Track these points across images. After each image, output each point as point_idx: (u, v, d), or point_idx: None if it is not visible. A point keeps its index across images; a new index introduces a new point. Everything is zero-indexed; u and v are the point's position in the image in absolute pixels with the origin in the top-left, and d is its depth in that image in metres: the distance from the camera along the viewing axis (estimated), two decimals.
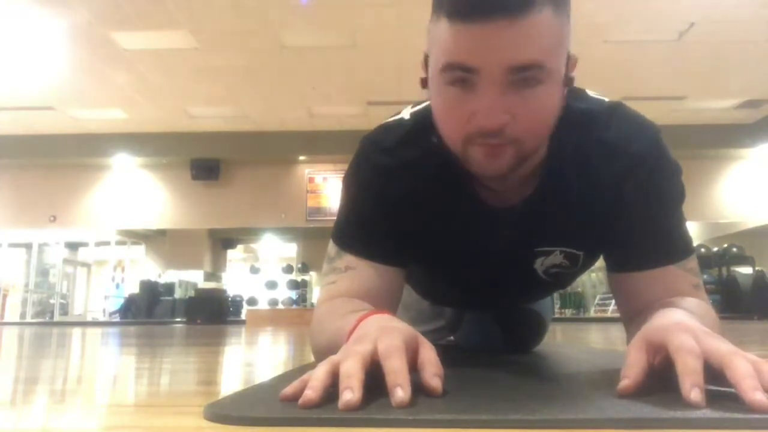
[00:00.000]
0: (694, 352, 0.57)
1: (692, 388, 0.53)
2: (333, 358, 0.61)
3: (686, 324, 0.62)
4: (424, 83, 0.78)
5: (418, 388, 0.58)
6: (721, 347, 0.57)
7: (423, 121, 0.86)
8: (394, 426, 0.51)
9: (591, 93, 0.88)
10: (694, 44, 6.77)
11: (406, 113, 0.91)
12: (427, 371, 0.61)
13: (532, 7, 0.66)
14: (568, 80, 0.74)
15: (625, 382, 0.60)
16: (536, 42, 0.68)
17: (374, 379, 0.58)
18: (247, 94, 8.34)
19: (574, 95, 0.83)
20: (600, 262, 0.97)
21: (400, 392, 0.55)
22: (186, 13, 6.09)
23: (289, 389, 0.59)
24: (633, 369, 0.61)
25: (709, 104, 8.74)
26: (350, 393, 0.54)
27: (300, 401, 0.56)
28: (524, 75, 0.68)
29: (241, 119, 9.30)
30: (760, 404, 0.50)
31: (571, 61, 0.74)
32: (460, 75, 0.70)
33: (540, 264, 0.94)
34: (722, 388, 0.55)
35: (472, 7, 0.67)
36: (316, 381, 0.58)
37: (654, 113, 0.90)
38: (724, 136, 9.42)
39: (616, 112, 0.85)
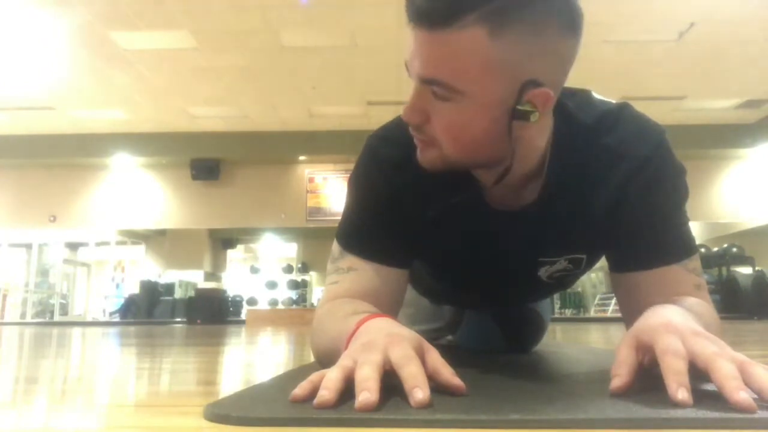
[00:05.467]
0: (679, 354, 0.57)
1: (678, 388, 0.54)
2: (345, 364, 0.61)
3: (675, 325, 0.62)
4: None
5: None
6: (707, 348, 0.57)
7: None
8: (393, 426, 0.51)
9: (596, 95, 0.88)
10: (694, 44, 6.77)
11: None
12: (444, 373, 0.61)
13: (453, 23, 0.66)
14: (517, 112, 0.71)
15: (617, 381, 0.60)
16: (446, 61, 0.69)
17: (384, 388, 0.58)
18: (247, 94, 8.34)
19: (579, 100, 0.84)
20: (601, 262, 0.97)
21: (420, 393, 0.55)
22: (186, 13, 6.09)
23: (299, 390, 0.59)
24: (623, 367, 0.61)
25: (709, 104, 8.74)
26: (368, 393, 0.55)
27: (315, 401, 0.56)
28: (432, 88, 0.72)
29: (241, 119, 9.30)
30: (744, 403, 0.51)
31: (532, 93, 0.70)
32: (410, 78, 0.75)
33: (544, 271, 0.94)
34: (712, 389, 0.55)
35: (411, 10, 0.70)
36: (331, 383, 0.58)
37: (654, 113, 0.90)
38: (724, 136, 9.42)
39: (621, 115, 0.85)
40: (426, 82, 0.71)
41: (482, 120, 0.72)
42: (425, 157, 0.79)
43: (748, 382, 0.54)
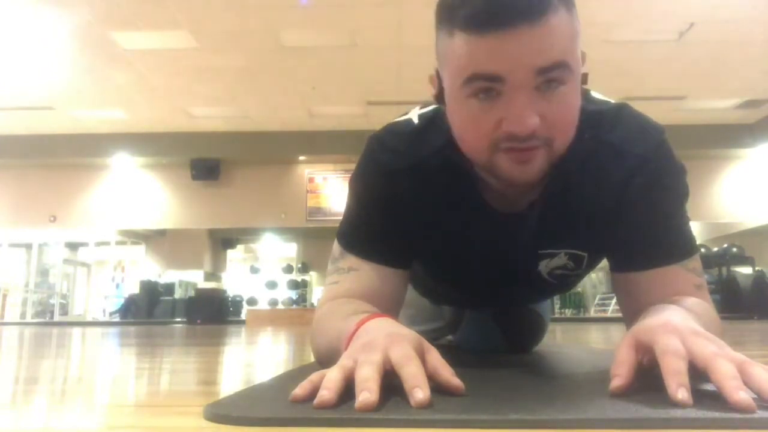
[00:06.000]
0: (678, 353, 0.57)
1: (678, 388, 0.54)
2: (345, 364, 0.61)
3: (674, 325, 0.62)
4: (438, 99, 0.79)
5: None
6: (706, 348, 0.57)
7: (431, 124, 0.86)
8: (393, 426, 0.51)
9: (595, 94, 0.88)
10: (694, 44, 6.77)
11: (414, 115, 0.91)
12: (443, 373, 0.61)
13: (549, 9, 0.67)
14: (584, 77, 0.75)
15: (617, 381, 0.60)
16: (558, 42, 0.68)
17: (384, 388, 0.58)
18: (247, 94, 8.34)
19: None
20: (602, 262, 0.97)
21: (420, 393, 0.55)
22: (186, 13, 6.09)
23: (299, 390, 0.59)
24: (623, 367, 0.61)
25: (709, 104, 8.75)
26: (368, 393, 0.55)
27: (316, 401, 0.56)
28: (550, 76, 0.69)
29: (241, 119, 9.30)
30: (743, 403, 0.51)
31: (583, 57, 0.75)
32: (485, 85, 0.70)
33: (544, 266, 0.94)
34: (712, 389, 0.55)
35: (491, 18, 0.67)
36: (331, 383, 0.58)
37: (654, 113, 0.90)
38: (724, 136, 9.42)
39: (621, 113, 0.85)
40: (547, 70, 0.68)
41: (579, 93, 0.75)
42: (530, 169, 0.74)
43: (747, 382, 0.54)
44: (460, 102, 0.73)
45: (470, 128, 0.75)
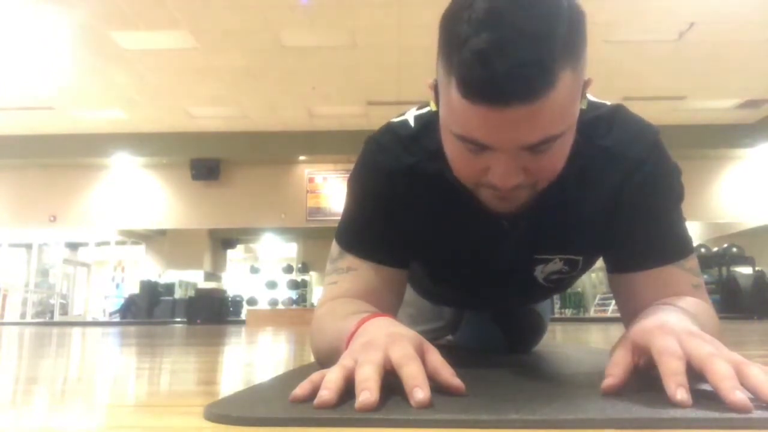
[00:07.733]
0: (676, 354, 0.57)
1: (677, 388, 0.54)
2: (345, 363, 0.61)
3: (670, 326, 0.62)
4: (436, 100, 0.78)
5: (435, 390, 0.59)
6: (703, 349, 0.57)
7: (426, 126, 0.86)
8: (393, 426, 0.51)
9: (590, 97, 0.88)
10: (694, 44, 6.77)
11: (410, 116, 0.91)
12: (444, 373, 0.61)
13: (549, 88, 0.63)
14: (586, 83, 0.73)
15: (609, 380, 0.60)
16: (553, 118, 0.66)
17: (384, 387, 0.58)
18: (247, 94, 8.34)
19: None
20: (600, 262, 0.97)
21: (420, 393, 0.55)
22: (186, 13, 6.09)
23: (299, 390, 0.59)
24: (617, 368, 0.62)
25: (709, 104, 8.75)
26: (368, 393, 0.55)
27: (316, 401, 0.56)
28: (539, 149, 0.69)
29: (241, 119, 9.30)
30: (740, 403, 0.51)
31: (585, 87, 0.72)
32: (472, 146, 0.70)
33: (540, 271, 0.94)
34: (711, 390, 0.55)
35: (484, 90, 0.63)
36: (331, 382, 0.58)
37: (654, 113, 0.90)
38: (724, 136, 9.43)
39: (615, 116, 0.85)
40: (537, 145, 0.68)
41: (573, 131, 0.73)
42: (515, 203, 0.77)
43: (744, 383, 0.54)
44: (450, 138, 0.73)
45: (457, 164, 0.76)
